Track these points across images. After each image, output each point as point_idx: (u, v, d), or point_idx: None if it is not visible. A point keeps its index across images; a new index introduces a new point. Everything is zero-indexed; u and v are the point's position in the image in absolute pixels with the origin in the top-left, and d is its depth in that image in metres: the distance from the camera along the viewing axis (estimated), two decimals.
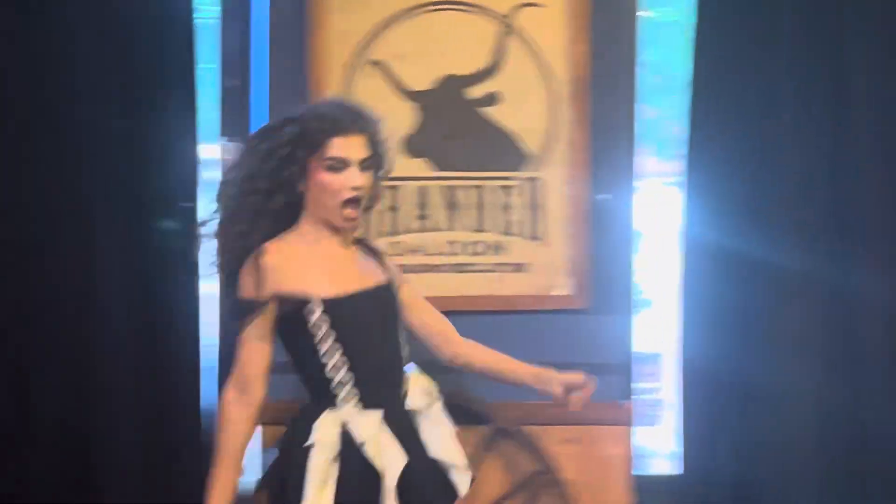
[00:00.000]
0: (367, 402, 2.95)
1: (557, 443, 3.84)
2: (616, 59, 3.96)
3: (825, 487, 4.02)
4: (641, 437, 5.64)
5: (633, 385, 4.06)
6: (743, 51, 3.99)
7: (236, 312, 2.99)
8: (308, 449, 2.89)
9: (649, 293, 4.29)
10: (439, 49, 3.93)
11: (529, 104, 3.93)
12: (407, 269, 3.82)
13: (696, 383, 4.02)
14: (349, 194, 2.93)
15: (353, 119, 2.95)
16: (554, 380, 3.19)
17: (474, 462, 3.72)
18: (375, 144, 3.00)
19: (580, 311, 3.91)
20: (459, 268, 3.93)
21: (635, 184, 4.06)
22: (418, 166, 3.93)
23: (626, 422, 3.90)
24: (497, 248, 3.93)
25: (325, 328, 2.92)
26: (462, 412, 3.76)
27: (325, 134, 2.91)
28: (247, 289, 2.94)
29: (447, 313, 3.78)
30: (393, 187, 3.88)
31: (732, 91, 3.97)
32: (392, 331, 3.06)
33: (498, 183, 3.94)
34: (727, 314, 4.01)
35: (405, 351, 3.10)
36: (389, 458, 2.90)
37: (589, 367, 3.84)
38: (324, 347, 2.93)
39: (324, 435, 2.89)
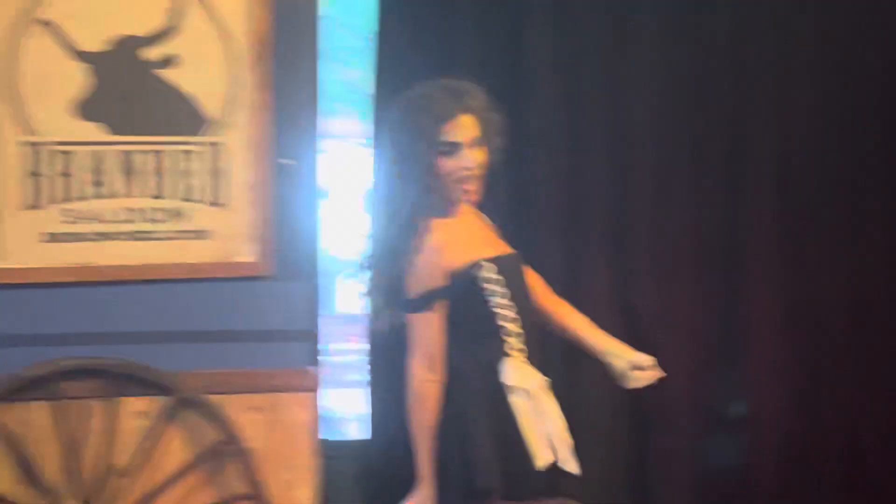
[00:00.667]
0: (529, 355, 3.13)
1: (242, 411, 3.79)
2: (298, 19, 3.89)
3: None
4: (339, 401, 5.70)
5: (336, 347, 4.05)
6: (426, 8, 4.03)
7: (416, 306, 3.09)
8: (503, 390, 3.06)
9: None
10: (113, 9, 3.76)
11: (208, 66, 3.82)
12: (82, 237, 3.68)
13: (381, 346, 4.05)
14: (463, 174, 3.07)
15: (456, 101, 3.07)
16: (623, 357, 3.22)
17: (156, 433, 3.64)
18: (484, 119, 3.11)
19: (264, 278, 3.85)
20: (138, 236, 3.79)
21: (323, 147, 4.04)
22: (92, 130, 3.75)
23: (313, 388, 3.88)
24: (178, 214, 3.82)
25: (499, 284, 3.08)
26: (143, 382, 3.68)
27: (435, 123, 3.03)
28: (423, 280, 3.06)
29: (125, 283, 3.69)
30: (65, 152, 3.70)
31: (417, 49, 4.02)
32: (528, 297, 3.21)
33: (177, 148, 3.82)
34: None
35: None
36: (547, 419, 3.08)
37: (274, 334, 3.87)
38: (495, 300, 3.08)
39: (515, 372, 3.07)
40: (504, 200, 3.95)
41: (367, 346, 4.10)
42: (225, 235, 3.85)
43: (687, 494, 4.42)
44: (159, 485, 3.71)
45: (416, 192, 3.07)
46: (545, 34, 4.13)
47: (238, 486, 3.76)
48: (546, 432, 3.07)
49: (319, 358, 4.12)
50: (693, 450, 4.45)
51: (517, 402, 3.07)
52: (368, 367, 4.09)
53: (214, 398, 3.76)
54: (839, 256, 4.56)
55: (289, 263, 3.88)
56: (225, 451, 3.75)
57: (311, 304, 3.94)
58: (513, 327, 3.12)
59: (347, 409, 5.20)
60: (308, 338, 3.92)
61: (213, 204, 3.84)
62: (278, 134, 3.86)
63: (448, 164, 3.06)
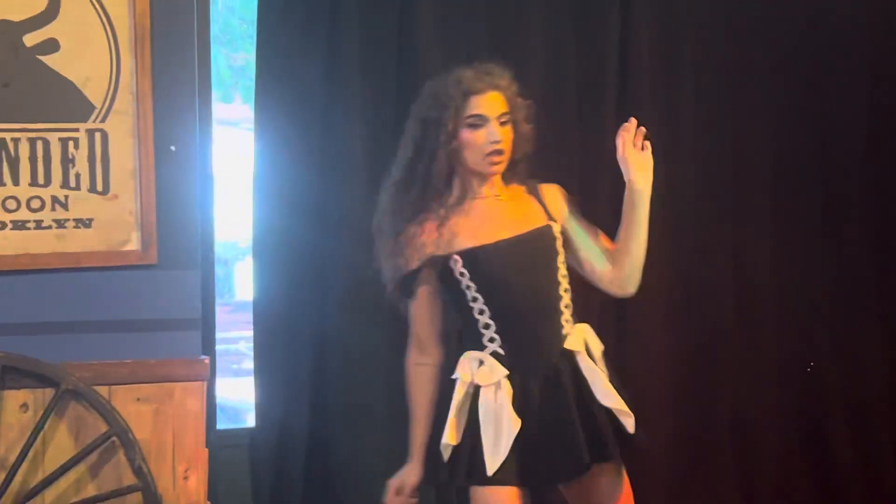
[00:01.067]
0: (510, 348, 3.14)
1: (130, 402, 3.74)
2: (180, 4, 3.85)
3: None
4: (231, 390, 5.65)
5: (231, 336, 4.02)
6: None
7: (403, 289, 3.22)
8: (454, 381, 3.15)
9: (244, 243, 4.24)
10: None
11: (91, 52, 3.75)
12: None
13: (269, 334, 4.04)
14: (490, 148, 3.13)
15: (485, 78, 3.16)
16: None
17: (41, 426, 3.59)
18: (511, 99, 3.18)
19: (149, 267, 3.81)
20: (20, 225, 3.72)
21: (210, 133, 4.01)
22: None
23: (203, 377, 3.84)
24: (60, 203, 3.76)
25: (466, 278, 3.14)
26: (27, 374, 3.62)
27: (464, 96, 3.12)
28: (402, 264, 3.17)
29: (6, 273, 3.63)
30: None
31: (299, 34, 3.99)
32: (541, 276, 3.19)
33: (59, 135, 3.75)
34: (299, 263, 4.05)
35: (561, 297, 3.19)
36: (504, 419, 3.07)
37: (162, 323, 3.83)
38: (469, 294, 3.15)
39: (464, 368, 3.14)
40: None
41: (253, 334, 4.06)
42: (108, 224, 3.79)
43: None
44: (45, 478, 3.65)
45: (431, 170, 3.15)
46: (427, 21, 4.13)
47: (127, 477, 3.71)
48: (495, 425, 3.09)
49: (213, 347, 4.11)
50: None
51: (458, 390, 3.14)
52: (255, 354, 4.05)
53: (101, 389, 3.71)
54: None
55: (175, 251, 3.84)
56: (113, 443, 3.70)
57: (195, 293, 3.89)
58: (482, 319, 3.16)
59: (245, 398, 5.17)
60: (195, 326, 3.88)
61: (97, 192, 3.78)
62: (162, 120, 3.81)
63: (477, 137, 3.13)
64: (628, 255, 3.23)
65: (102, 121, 3.78)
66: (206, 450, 3.81)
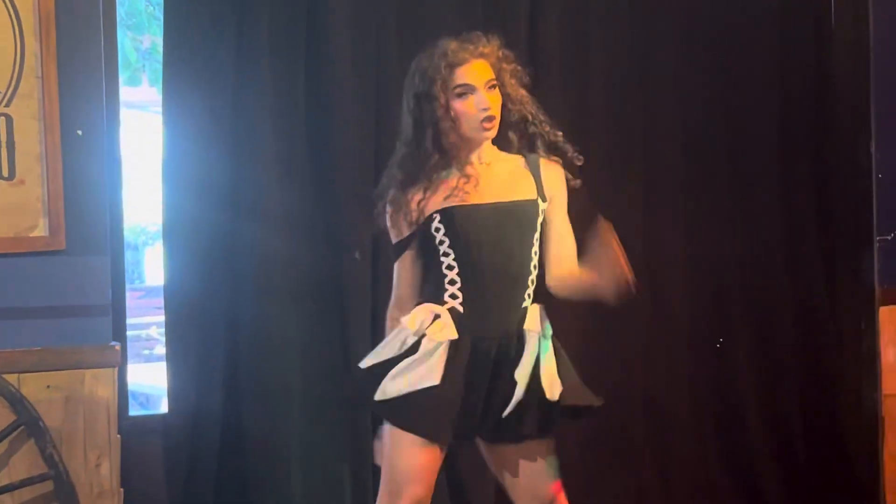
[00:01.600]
0: (470, 308, 3.18)
1: (40, 390, 3.71)
2: None
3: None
4: (143, 376, 5.62)
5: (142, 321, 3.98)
6: None
7: (394, 252, 3.31)
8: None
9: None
10: None
11: None
12: None
13: (180, 319, 4.01)
14: (482, 115, 3.19)
15: (468, 48, 3.22)
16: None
17: None
18: (496, 65, 3.24)
19: (58, 253, 3.76)
20: None
21: (117, 116, 3.96)
22: None
23: (114, 363, 3.81)
24: None
25: (440, 233, 3.20)
26: None
27: (449, 67, 3.18)
28: (397, 231, 3.27)
29: None
30: None
31: (206, 15, 3.96)
32: (514, 247, 3.23)
33: None
34: (210, 247, 4.03)
35: (530, 272, 3.24)
36: (422, 368, 3.12)
37: (71, 310, 3.79)
38: (442, 249, 3.21)
39: (413, 318, 3.19)
40: None
41: (165, 319, 4.04)
42: (15, 209, 3.74)
43: None
44: None
45: (424, 142, 3.20)
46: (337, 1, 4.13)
47: (38, 466, 3.67)
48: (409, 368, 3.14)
49: (124, 333, 4.07)
50: None
51: (393, 340, 3.21)
52: (167, 340, 4.03)
53: (10, 377, 3.66)
54: None
55: (84, 237, 3.80)
56: (23, 432, 3.66)
57: (109, 278, 3.86)
58: (449, 274, 3.20)
59: (156, 384, 5.13)
60: (107, 312, 3.84)
61: (2, 177, 3.72)
62: (68, 104, 3.76)
63: (468, 106, 3.18)
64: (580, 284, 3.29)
65: (7, 105, 3.72)
66: (119, 437, 3.79)
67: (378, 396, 3.14)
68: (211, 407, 4.03)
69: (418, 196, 3.22)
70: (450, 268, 3.22)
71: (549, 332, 3.29)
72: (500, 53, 3.28)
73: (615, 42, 4.60)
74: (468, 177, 3.22)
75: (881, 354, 4.72)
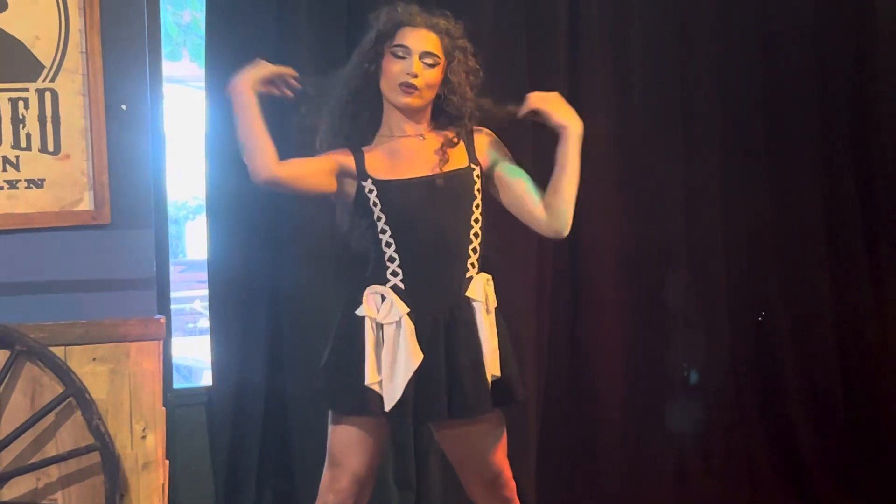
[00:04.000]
0: (410, 283, 3.16)
1: (86, 362, 3.73)
2: None
3: None
4: (186, 349, 5.66)
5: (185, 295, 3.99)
6: None
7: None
8: (361, 318, 3.16)
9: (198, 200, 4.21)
10: None
11: (39, 11, 3.71)
12: None
13: (224, 292, 4.04)
14: (405, 79, 3.14)
15: (423, 15, 3.20)
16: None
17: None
18: (447, 47, 3.19)
19: (103, 227, 3.79)
20: None
21: (160, 91, 3.98)
22: None
23: (159, 336, 3.83)
24: (11, 163, 3.73)
25: (378, 208, 3.17)
26: None
27: (396, 25, 3.17)
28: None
29: None
30: None
31: None
32: (451, 218, 3.19)
33: (9, 94, 3.71)
34: (253, 222, 4.05)
35: (471, 241, 3.20)
36: (402, 353, 3.11)
37: (116, 283, 3.82)
38: (378, 226, 3.18)
39: (369, 305, 3.16)
40: None
41: (209, 293, 4.06)
42: (60, 184, 3.76)
43: None
44: (2, 440, 3.64)
45: (357, 92, 3.21)
46: None
47: (84, 437, 3.71)
48: (392, 362, 3.12)
49: (168, 306, 4.11)
50: None
51: (368, 328, 3.15)
52: (210, 314, 4.06)
53: (57, 350, 3.70)
54: None
55: (128, 211, 3.81)
56: (70, 404, 3.70)
57: (153, 252, 3.88)
58: (388, 252, 3.18)
59: (199, 358, 5.17)
60: (151, 286, 3.87)
61: (48, 152, 3.75)
62: (112, 78, 3.77)
63: (395, 66, 3.15)
64: (558, 193, 3.19)
65: (52, 80, 3.75)
66: (164, 409, 3.82)
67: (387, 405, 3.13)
68: (254, 379, 4.06)
69: (349, 151, 3.21)
70: (388, 244, 3.18)
71: (494, 304, 3.25)
72: (459, 41, 3.22)
73: (656, 18, 4.58)
74: (397, 148, 3.21)
75: None
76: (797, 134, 4.77)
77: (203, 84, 4.03)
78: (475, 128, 3.28)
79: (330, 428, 3.22)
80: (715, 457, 4.71)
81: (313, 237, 4.09)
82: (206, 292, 4.15)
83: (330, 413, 3.24)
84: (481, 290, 3.20)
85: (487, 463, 3.27)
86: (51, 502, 3.72)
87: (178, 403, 4.05)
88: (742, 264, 4.76)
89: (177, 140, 4.52)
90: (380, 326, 3.14)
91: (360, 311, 3.17)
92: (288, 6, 4.03)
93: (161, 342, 3.83)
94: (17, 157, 3.73)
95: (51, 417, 3.71)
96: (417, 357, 3.11)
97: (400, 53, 3.15)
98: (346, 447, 3.19)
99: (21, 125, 3.72)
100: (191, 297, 6.28)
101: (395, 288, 3.17)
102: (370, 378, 3.13)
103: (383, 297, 3.15)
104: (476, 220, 3.22)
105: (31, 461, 3.69)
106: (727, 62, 4.70)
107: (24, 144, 3.73)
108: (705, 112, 4.67)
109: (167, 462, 3.85)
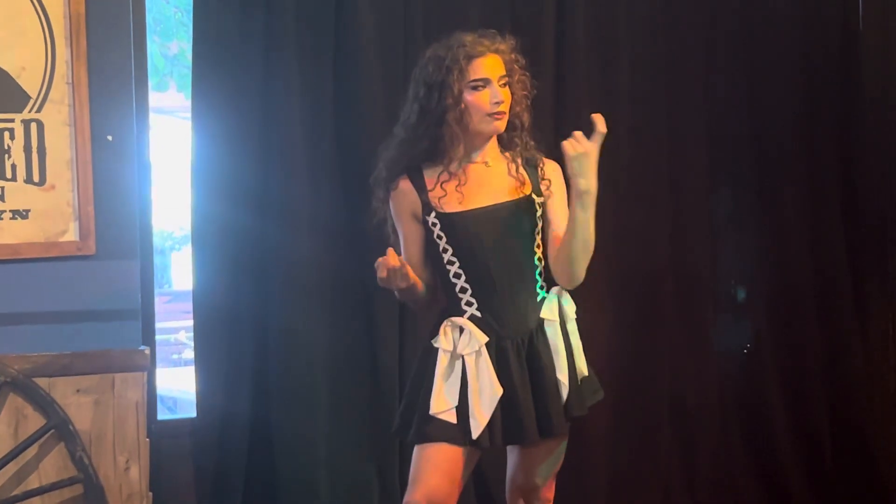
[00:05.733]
0: (485, 312, 3.23)
1: (70, 393, 3.73)
2: None
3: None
4: (171, 380, 5.63)
5: (170, 325, 3.99)
6: None
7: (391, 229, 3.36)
8: (437, 349, 3.23)
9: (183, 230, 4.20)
10: None
11: (25, 42, 3.73)
12: None
13: (209, 323, 4.02)
14: (494, 109, 3.22)
15: (485, 42, 3.26)
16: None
17: None
18: (509, 63, 3.28)
19: (88, 258, 3.79)
20: None
21: (146, 121, 3.98)
22: None
23: (143, 367, 3.83)
24: None
25: (443, 241, 3.24)
26: None
27: (467, 59, 3.22)
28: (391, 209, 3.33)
29: None
30: None
31: (235, 21, 3.98)
32: (516, 245, 3.26)
33: None
34: (239, 252, 4.04)
35: (536, 266, 3.27)
36: (484, 383, 3.17)
37: (101, 314, 3.82)
38: (445, 258, 3.25)
39: (444, 337, 3.21)
40: None
41: (194, 324, 4.05)
42: (45, 215, 3.77)
43: None
44: None
45: (438, 132, 3.22)
46: (365, 5, 4.14)
47: (68, 469, 3.69)
48: (477, 391, 3.17)
49: (153, 337, 4.09)
50: None
51: (441, 358, 3.21)
52: (195, 344, 4.04)
53: (41, 381, 3.69)
54: None
55: (114, 241, 3.83)
56: (53, 435, 3.68)
57: (138, 282, 3.88)
58: (458, 283, 3.24)
59: (184, 388, 5.14)
60: (136, 316, 3.87)
61: (33, 182, 3.75)
62: (98, 109, 3.79)
63: (479, 97, 3.21)
64: (566, 248, 3.23)
65: (38, 111, 3.75)
66: (148, 440, 3.81)
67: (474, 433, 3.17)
68: (239, 410, 4.04)
69: (414, 186, 3.25)
70: (457, 276, 3.24)
71: (572, 314, 3.32)
72: (513, 55, 3.30)
73: (643, 21, 4.61)
74: (464, 178, 3.24)
75: None
76: (785, 167, 4.79)
77: (189, 115, 4.03)
78: (546, 159, 3.35)
79: (413, 455, 3.23)
80: (700, 488, 4.71)
81: (299, 267, 4.09)
82: (191, 322, 4.14)
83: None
84: (555, 308, 3.27)
85: (545, 473, 3.35)
86: None
87: (162, 435, 4.03)
88: (730, 297, 4.78)
89: (163, 170, 4.52)
90: (458, 357, 3.19)
91: (435, 342, 3.23)
92: (275, 38, 4.03)
93: (146, 373, 3.83)
94: (3, 188, 3.73)
95: (34, 449, 3.69)
96: (498, 390, 3.16)
97: (481, 85, 3.21)
98: (423, 470, 3.18)
99: (6, 156, 3.73)
100: (176, 328, 6.26)
101: (472, 318, 3.22)
102: (436, 407, 3.17)
103: (461, 329, 3.21)
104: (538, 246, 3.29)
105: (14, 493, 3.67)
106: (713, 70, 4.71)
107: (9, 175, 3.73)
108: (693, 151, 4.68)
109: (150, 494, 3.83)
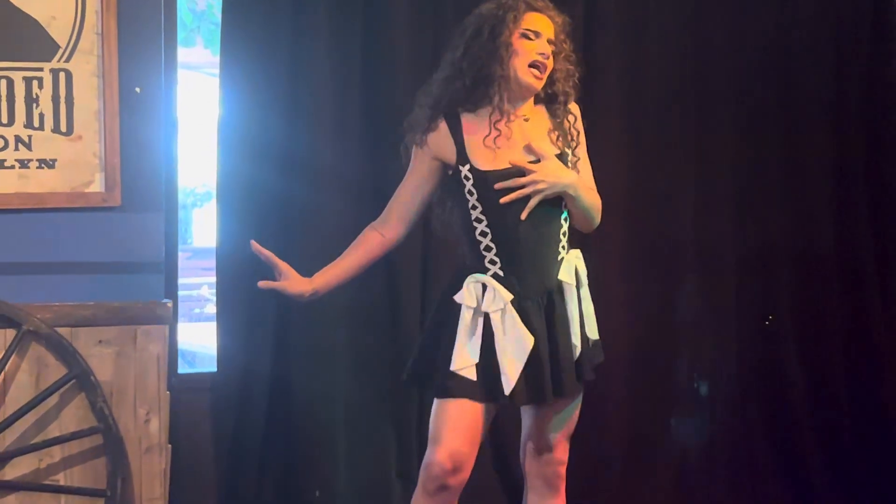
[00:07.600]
0: (508, 271, 3.22)
1: (92, 344, 3.74)
2: None
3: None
4: (191, 335, 5.65)
5: (192, 281, 3.99)
6: None
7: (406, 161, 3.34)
8: (458, 304, 3.21)
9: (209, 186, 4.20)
10: None
11: None
12: None
13: (232, 279, 4.03)
14: (536, 58, 3.22)
15: (544, 3, 3.30)
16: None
17: (2, 366, 3.58)
18: (558, 34, 3.29)
19: (113, 209, 3.80)
20: None
21: (174, 76, 3.97)
22: None
23: (165, 320, 3.83)
24: (23, 142, 3.73)
25: (474, 197, 3.22)
26: None
27: (527, 7, 3.25)
28: (416, 143, 3.30)
29: None
30: None
31: None
32: (546, 204, 3.22)
33: (23, 74, 3.72)
34: (263, 209, 4.04)
35: (562, 225, 3.27)
36: (512, 338, 3.17)
37: (124, 266, 3.82)
38: (474, 214, 3.23)
39: (468, 294, 3.20)
40: None
41: (216, 279, 4.06)
42: (72, 165, 3.77)
43: None
44: (5, 419, 3.64)
45: (481, 68, 3.21)
46: None
47: (88, 419, 3.71)
48: (504, 348, 3.17)
49: (176, 291, 4.10)
50: None
51: (464, 315, 3.21)
52: (217, 299, 4.05)
53: (63, 331, 3.70)
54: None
55: (139, 194, 3.83)
56: (74, 385, 3.70)
57: (158, 236, 3.88)
58: (484, 241, 3.23)
59: (204, 344, 5.16)
60: (160, 270, 3.87)
61: (61, 132, 3.75)
62: (127, 61, 3.78)
63: (527, 45, 3.22)
64: (577, 220, 3.33)
65: (67, 60, 3.75)
66: (168, 393, 3.82)
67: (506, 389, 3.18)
68: (259, 366, 4.05)
69: (450, 131, 3.25)
70: (483, 234, 3.23)
71: (585, 279, 3.34)
72: (564, 33, 3.31)
73: (673, 10, 4.57)
74: (507, 130, 3.23)
75: None
76: (811, 141, 4.76)
77: (216, 71, 4.01)
78: (572, 104, 3.37)
79: (433, 408, 3.24)
80: (719, 463, 4.70)
81: (323, 225, 4.09)
82: (211, 280, 4.15)
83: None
84: (571, 271, 3.28)
85: (559, 434, 3.36)
86: (52, 483, 3.72)
87: (182, 388, 4.04)
88: (752, 268, 4.75)
89: (187, 126, 4.52)
90: (481, 314, 3.19)
91: (458, 298, 3.22)
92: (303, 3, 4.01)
93: (167, 326, 3.83)
94: (30, 137, 3.73)
95: (55, 398, 3.71)
96: (529, 340, 3.17)
97: (531, 36, 3.22)
98: (445, 428, 3.18)
99: (35, 105, 3.73)
100: (196, 284, 6.27)
101: (495, 276, 3.22)
102: (458, 363, 3.17)
103: (485, 287, 3.20)
104: (565, 204, 3.28)
105: (34, 441, 3.69)
106: (742, 66, 4.68)
107: (36, 124, 3.73)
108: (719, 118, 4.65)
109: (170, 447, 3.84)
